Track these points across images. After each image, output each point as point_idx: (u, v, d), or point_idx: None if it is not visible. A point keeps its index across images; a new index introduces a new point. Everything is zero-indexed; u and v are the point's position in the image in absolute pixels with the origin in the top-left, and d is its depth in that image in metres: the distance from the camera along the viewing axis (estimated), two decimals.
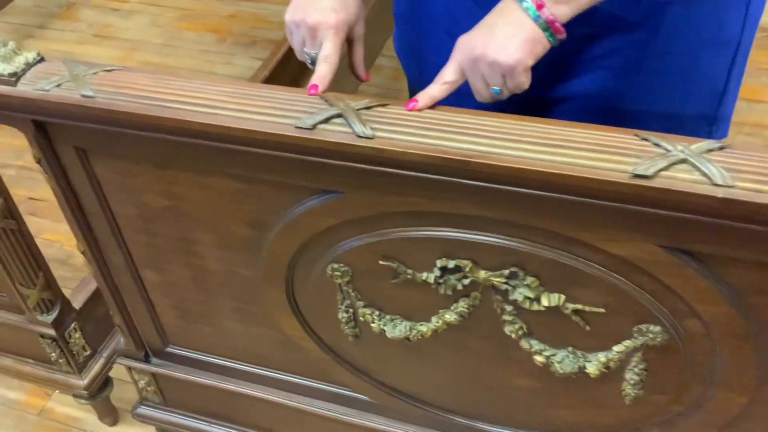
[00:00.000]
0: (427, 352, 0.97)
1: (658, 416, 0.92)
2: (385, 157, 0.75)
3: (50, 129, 0.90)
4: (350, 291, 0.93)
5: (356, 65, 0.95)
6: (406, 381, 1.04)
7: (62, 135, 0.91)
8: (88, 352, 1.37)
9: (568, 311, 0.83)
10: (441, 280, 0.86)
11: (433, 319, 0.91)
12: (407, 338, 0.94)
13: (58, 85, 0.85)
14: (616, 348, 0.84)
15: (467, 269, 0.83)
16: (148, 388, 1.27)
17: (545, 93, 0.94)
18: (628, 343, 0.83)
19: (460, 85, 0.82)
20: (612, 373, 0.87)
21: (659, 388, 0.88)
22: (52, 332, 1.28)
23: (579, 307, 0.82)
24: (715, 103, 0.95)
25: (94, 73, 0.86)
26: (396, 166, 0.76)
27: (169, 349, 1.19)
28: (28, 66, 0.87)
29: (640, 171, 0.67)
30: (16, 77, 0.86)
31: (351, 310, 0.96)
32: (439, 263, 0.84)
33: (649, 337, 0.82)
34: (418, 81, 1.03)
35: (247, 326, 1.08)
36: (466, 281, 0.85)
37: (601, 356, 0.85)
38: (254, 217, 0.91)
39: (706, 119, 0.96)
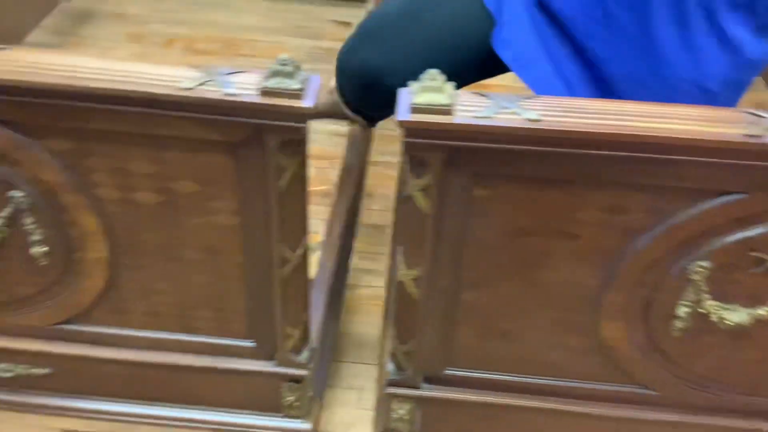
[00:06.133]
0: (745, 334, 1.10)
1: None
2: None
3: (457, 156, 0.96)
4: (703, 286, 1.06)
5: None
6: (712, 368, 1.17)
7: (466, 161, 0.97)
8: (310, 393, 1.36)
9: None
10: None
11: None
12: (742, 323, 1.08)
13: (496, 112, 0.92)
14: None
15: None
16: (405, 417, 1.29)
17: None
18: None
19: None
20: None
21: None
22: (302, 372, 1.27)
23: None
24: None
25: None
26: None
27: (446, 372, 1.23)
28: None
29: None
30: (451, 107, 0.92)
31: (693, 304, 1.08)
32: None
33: None
34: None
35: (560, 338, 1.16)
36: None
37: None
38: (632, 225, 1.02)
39: None
